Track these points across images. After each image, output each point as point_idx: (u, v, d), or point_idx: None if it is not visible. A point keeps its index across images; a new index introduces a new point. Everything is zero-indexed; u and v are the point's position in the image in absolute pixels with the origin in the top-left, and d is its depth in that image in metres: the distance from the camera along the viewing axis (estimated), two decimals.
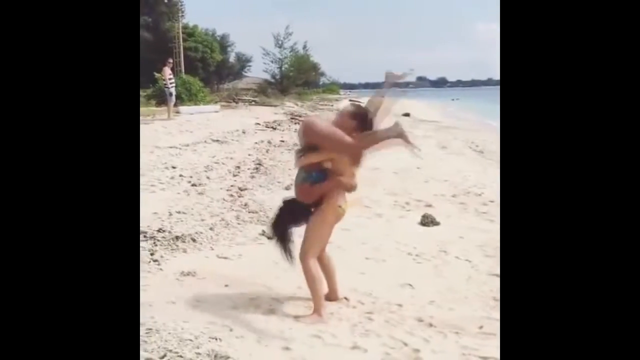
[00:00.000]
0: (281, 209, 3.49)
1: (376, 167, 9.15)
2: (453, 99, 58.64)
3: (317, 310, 3.29)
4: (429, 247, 4.84)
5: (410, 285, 3.88)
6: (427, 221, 5.71)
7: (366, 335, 3.11)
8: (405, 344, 3.01)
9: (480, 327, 3.24)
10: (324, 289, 3.43)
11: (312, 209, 3.37)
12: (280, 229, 3.45)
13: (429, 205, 6.55)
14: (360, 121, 3.30)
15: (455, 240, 5.06)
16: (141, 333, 2.81)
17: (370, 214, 6.16)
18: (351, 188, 3.36)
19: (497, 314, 3.34)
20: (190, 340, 2.81)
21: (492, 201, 6.74)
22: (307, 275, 3.33)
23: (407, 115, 25.10)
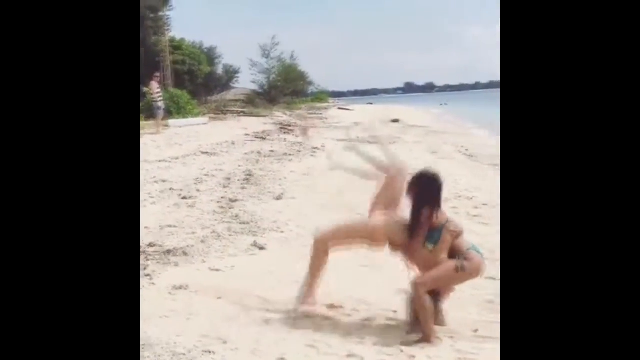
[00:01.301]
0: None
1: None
2: (442, 104, 58.86)
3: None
4: None
5: (405, 291, 3.88)
6: None
7: (362, 343, 3.09)
8: (401, 350, 2.99)
9: (475, 331, 3.24)
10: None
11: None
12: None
13: None
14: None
15: None
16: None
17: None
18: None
19: (491, 317, 3.34)
20: (184, 354, 2.79)
21: (484, 204, 6.75)
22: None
23: (396, 121, 25.10)
